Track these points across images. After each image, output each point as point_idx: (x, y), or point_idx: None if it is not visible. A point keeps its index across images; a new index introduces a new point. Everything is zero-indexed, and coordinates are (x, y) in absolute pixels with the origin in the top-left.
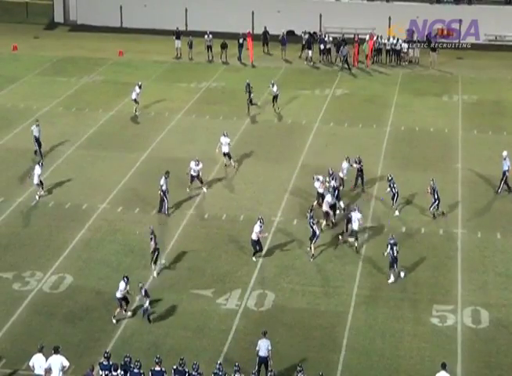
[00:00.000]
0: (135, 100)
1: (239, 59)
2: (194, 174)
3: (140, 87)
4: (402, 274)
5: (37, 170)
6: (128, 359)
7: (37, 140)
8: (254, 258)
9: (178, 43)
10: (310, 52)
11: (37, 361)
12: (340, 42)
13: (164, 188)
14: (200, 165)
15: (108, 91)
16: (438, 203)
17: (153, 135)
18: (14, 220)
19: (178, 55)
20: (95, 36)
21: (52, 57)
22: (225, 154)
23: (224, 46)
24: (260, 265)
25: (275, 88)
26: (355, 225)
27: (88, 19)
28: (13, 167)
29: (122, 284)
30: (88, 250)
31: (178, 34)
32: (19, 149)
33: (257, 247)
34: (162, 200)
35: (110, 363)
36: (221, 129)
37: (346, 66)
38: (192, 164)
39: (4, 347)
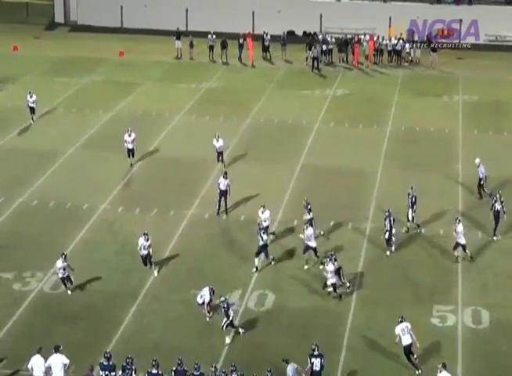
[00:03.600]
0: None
1: (240, 59)
2: None
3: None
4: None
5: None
6: (130, 360)
7: None
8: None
9: (178, 43)
10: (310, 52)
11: (36, 362)
12: (342, 42)
13: (222, 188)
14: None
15: (108, 91)
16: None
17: (154, 135)
18: (14, 220)
19: (179, 55)
20: (96, 36)
21: (53, 57)
22: (129, 150)
23: (224, 46)
24: (260, 265)
25: (219, 143)
26: (461, 240)
27: (89, 20)
28: (14, 167)
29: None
30: (89, 250)
31: (178, 35)
32: (20, 149)
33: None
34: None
35: (110, 363)
36: (222, 130)
37: (316, 66)
38: None
39: (5, 347)
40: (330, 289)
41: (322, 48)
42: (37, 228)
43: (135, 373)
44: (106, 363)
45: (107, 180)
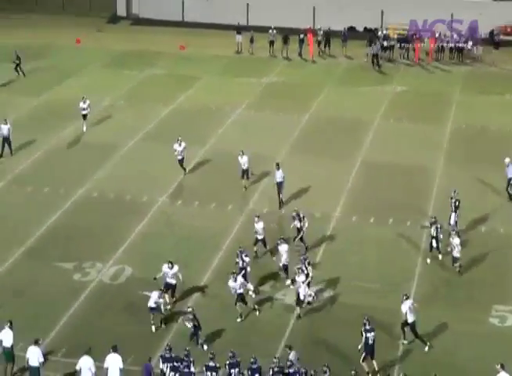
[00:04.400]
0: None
1: (300, 54)
2: None
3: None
4: None
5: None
6: (188, 353)
7: None
8: None
9: (239, 38)
10: (370, 48)
11: (85, 364)
12: (402, 39)
13: (278, 180)
14: None
15: (169, 85)
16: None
17: (214, 129)
18: (75, 212)
19: (239, 49)
20: (157, 30)
21: (114, 50)
22: (179, 161)
23: (286, 40)
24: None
25: (244, 159)
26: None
27: (150, 13)
28: (74, 159)
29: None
30: (147, 242)
31: (239, 29)
32: (80, 141)
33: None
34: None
35: (173, 355)
36: (281, 125)
37: (376, 63)
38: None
39: (64, 336)
40: (309, 300)
41: (382, 45)
42: (97, 219)
43: (193, 365)
44: (168, 356)
45: (166, 173)
